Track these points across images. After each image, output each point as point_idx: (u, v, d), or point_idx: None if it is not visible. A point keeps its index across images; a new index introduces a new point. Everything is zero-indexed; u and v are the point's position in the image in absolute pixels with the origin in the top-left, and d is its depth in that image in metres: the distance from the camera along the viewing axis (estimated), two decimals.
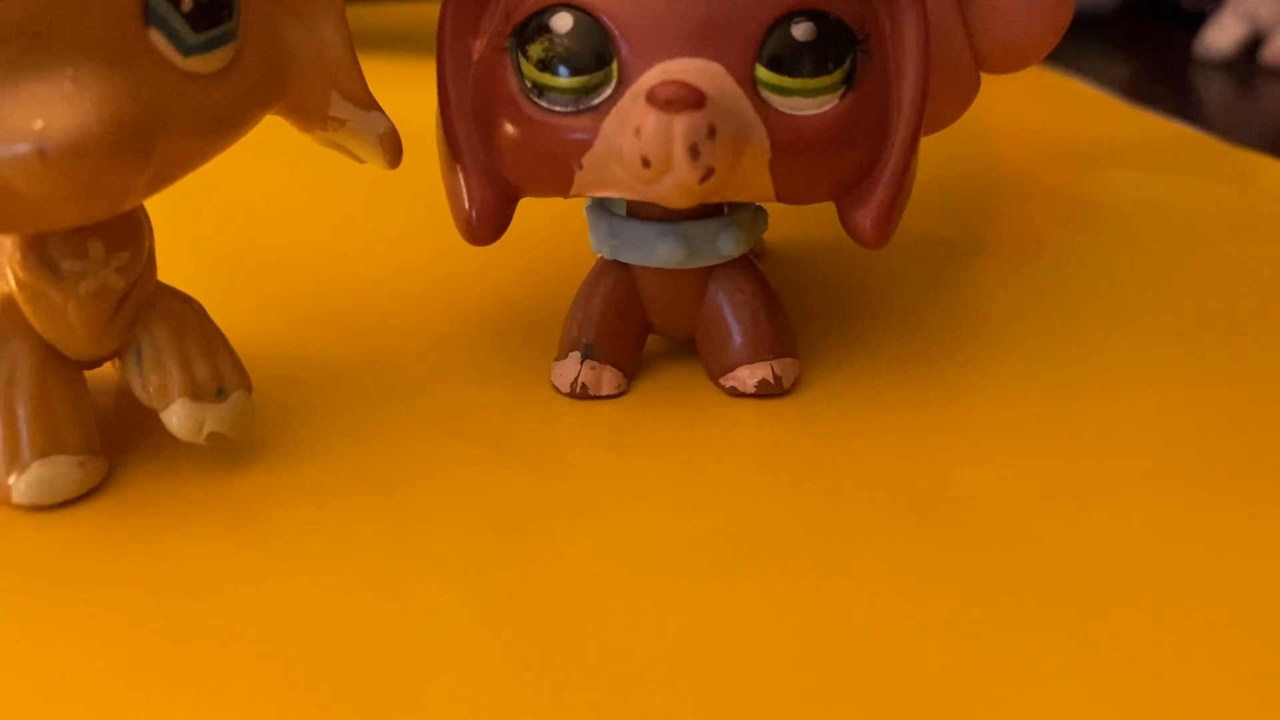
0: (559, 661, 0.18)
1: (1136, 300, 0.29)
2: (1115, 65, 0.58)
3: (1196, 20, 0.60)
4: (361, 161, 0.24)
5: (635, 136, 0.21)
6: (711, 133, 0.21)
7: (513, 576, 0.20)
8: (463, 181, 0.24)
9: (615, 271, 0.25)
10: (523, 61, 0.22)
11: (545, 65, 0.22)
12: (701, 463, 0.23)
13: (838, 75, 0.22)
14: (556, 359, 0.25)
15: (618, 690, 0.18)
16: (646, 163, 0.21)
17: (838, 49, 0.22)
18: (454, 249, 0.27)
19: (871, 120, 0.23)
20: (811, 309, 0.28)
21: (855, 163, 0.23)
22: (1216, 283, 0.30)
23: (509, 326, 0.28)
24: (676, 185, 0.21)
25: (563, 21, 0.22)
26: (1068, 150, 0.42)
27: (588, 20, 0.22)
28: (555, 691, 0.18)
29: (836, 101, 0.22)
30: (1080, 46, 0.59)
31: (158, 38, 0.19)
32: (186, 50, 0.19)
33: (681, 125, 0.20)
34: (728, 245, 0.24)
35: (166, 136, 0.19)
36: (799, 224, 0.30)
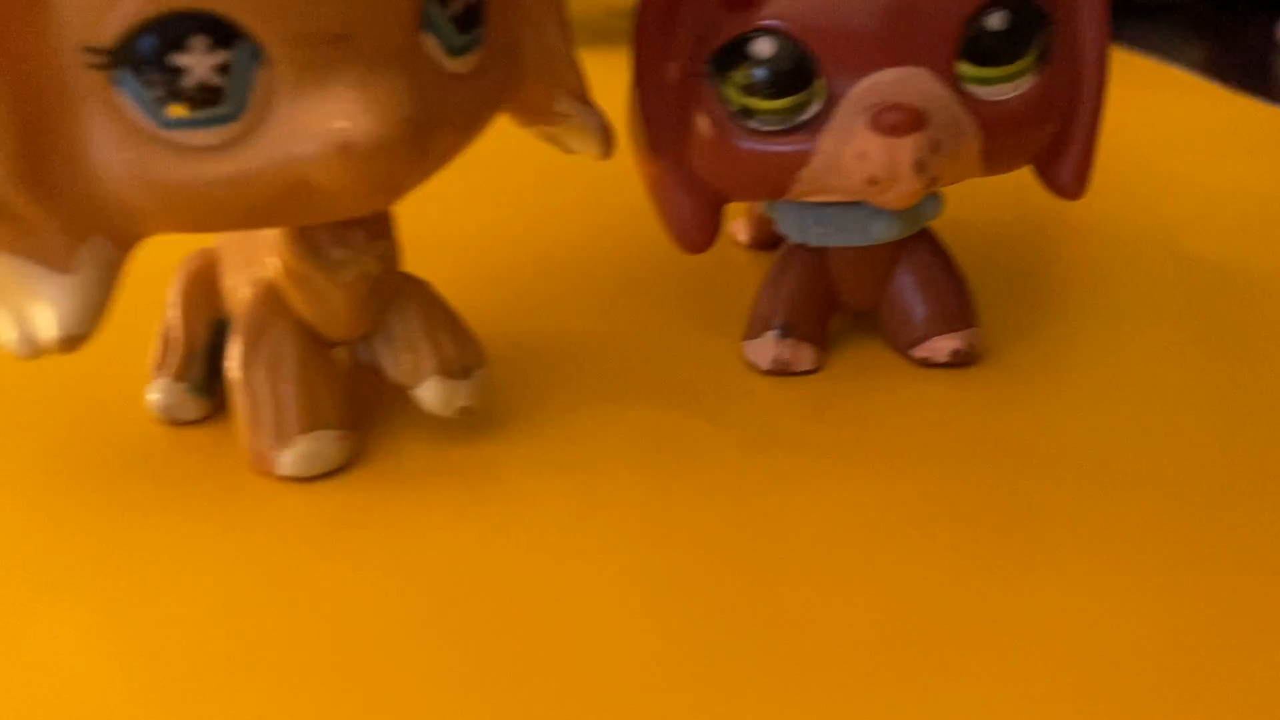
0: (778, 632, 0.19)
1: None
2: (1190, 49, 0.59)
3: (1276, 4, 0.61)
4: (571, 152, 0.25)
5: (860, 160, 0.22)
6: (935, 148, 0.22)
7: (736, 542, 0.21)
8: (672, 199, 0.25)
9: (805, 251, 0.26)
10: (726, 87, 0.23)
11: (751, 89, 0.23)
12: (904, 432, 0.24)
13: (1032, 56, 0.23)
14: (747, 338, 0.27)
15: (827, 662, 0.19)
16: (874, 181, 0.22)
17: (1030, 30, 0.23)
18: (623, 234, 0.28)
19: (1064, 87, 0.24)
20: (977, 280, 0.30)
21: (1053, 129, 0.24)
22: None
23: (684, 308, 0.29)
24: (902, 195, 0.23)
25: (764, 47, 0.23)
26: (1177, 136, 0.43)
27: (788, 43, 0.23)
28: (766, 661, 0.19)
29: (1034, 79, 0.24)
30: (1157, 30, 0.60)
31: (429, 41, 0.20)
32: (454, 51, 0.21)
33: (908, 148, 0.22)
34: (930, 210, 0.25)
35: (438, 133, 0.20)
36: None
